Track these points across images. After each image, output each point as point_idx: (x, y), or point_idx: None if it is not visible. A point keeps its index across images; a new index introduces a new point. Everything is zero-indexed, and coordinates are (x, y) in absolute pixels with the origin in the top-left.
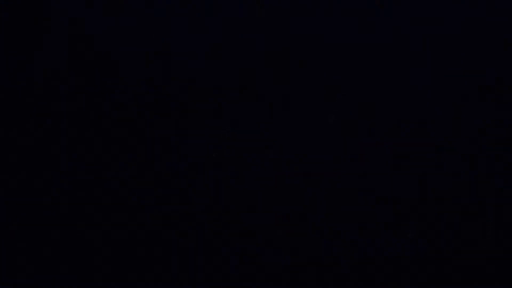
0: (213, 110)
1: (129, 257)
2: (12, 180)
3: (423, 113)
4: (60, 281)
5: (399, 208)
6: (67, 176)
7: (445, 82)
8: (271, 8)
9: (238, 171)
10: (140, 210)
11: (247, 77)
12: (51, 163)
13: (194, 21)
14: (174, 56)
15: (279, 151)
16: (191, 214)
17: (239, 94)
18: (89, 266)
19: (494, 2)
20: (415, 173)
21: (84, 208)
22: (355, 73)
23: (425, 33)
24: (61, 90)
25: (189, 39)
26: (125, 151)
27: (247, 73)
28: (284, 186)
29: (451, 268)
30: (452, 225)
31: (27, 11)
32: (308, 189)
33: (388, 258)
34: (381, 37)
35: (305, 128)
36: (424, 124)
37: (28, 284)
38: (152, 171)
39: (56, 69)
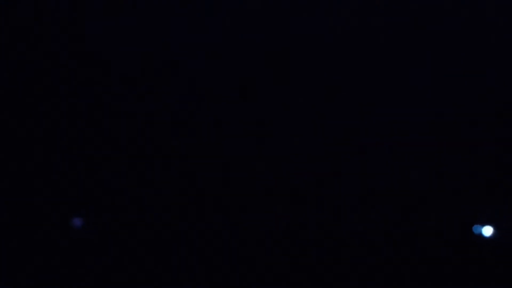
0: (212, 110)
1: (128, 258)
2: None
3: (423, 113)
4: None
5: (400, 207)
6: (64, 176)
7: (445, 82)
8: (271, 8)
9: (238, 170)
10: (138, 211)
11: (247, 77)
12: (47, 163)
13: (194, 21)
14: (174, 56)
15: (279, 150)
16: (191, 214)
17: (239, 94)
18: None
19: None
20: (415, 172)
21: (81, 208)
22: (355, 73)
23: (426, 33)
24: (60, 90)
25: (189, 39)
26: (124, 150)
27: (247, 73)
28: (284, 185)
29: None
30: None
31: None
32: (308, 188)
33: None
34: (381, 37)
35: (305, 128)
36: (424, 124)
37: (28, 284)
38: (151, 171)
39: (54, 69)
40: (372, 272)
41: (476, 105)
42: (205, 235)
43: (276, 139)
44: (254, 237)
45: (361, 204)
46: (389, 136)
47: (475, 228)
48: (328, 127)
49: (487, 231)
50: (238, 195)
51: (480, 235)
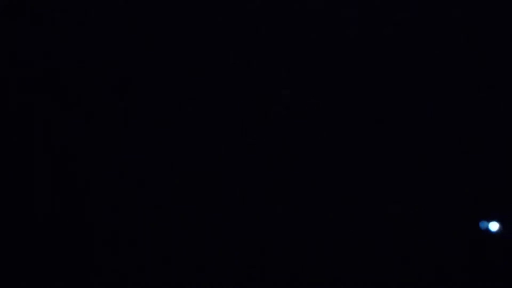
0: (212, 110)
1: (125, 260)
2: None
3: (424, 113)
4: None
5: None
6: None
7: (445, 82)
8: (271, 8)
9: (240, 170)
10: (135, 212)
11: (247, 77)
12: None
13: (194, 21)
14: (171, 56)
15: (279, 150)
16: (191, 216)
17: (238, 94)
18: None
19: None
20: (416, 174)
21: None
22: (355, 73)
23: (426, 32)
24: (59, 89)
25: (189, 39)
26: (123, 150)
27: (248, 74)
28: (285, 186)
29: None
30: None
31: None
32: (311, 187)
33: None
34: (381, 37)
35: (305, 128)
36: (425, 124)
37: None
38: (149, 171)
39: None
40: (374, 273)
41: (477, 106)
42: (204, 234)
43: (276, 139)
44: (252, 238)
45: (362, 203)
46: (389, 135)
47: (481, 224)
48: (329, 127)
49: (493, 226)
50: (238, 195)
51: (486, 231)
